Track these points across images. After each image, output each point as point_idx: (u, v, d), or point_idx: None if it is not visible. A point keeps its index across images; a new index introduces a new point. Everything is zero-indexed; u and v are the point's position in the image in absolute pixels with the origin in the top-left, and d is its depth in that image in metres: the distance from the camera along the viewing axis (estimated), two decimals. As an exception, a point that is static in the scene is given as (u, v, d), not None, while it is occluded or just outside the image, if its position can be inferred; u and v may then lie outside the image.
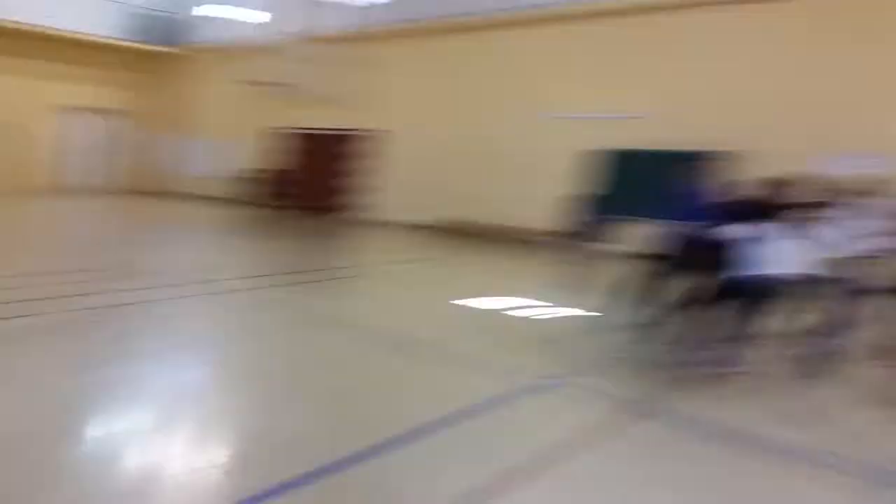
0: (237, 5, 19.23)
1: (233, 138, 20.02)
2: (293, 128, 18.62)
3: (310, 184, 18.36)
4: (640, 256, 6.52)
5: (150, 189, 21.13)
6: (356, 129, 17.48)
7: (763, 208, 5.79)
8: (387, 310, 7.84)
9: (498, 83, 16.06)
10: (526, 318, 7.85)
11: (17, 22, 17.27)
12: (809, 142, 11.96)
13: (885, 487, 4.05)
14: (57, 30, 18.14)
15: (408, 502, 3.40)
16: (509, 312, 7.96)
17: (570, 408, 4.90)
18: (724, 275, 5.74)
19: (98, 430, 4.03)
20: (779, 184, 6.47)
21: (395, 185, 17.16)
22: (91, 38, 19.02)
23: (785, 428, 4.74)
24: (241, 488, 3.38)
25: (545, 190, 14.34)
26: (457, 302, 8.35)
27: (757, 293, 5.62)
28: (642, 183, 13.06)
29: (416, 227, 16.34)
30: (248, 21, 18.73)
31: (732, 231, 5.72)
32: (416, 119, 16.84)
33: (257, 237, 13.60)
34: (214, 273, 9.06)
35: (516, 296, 8.98)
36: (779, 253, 5.59)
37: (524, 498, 3.53)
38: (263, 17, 18.20)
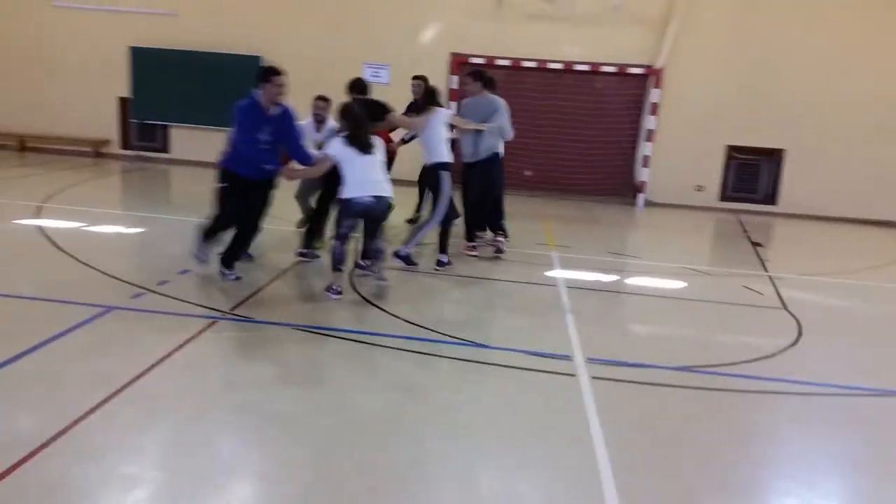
0: None
1: None
2: None
3: None
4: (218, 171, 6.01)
5: None
6: None
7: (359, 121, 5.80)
8: None
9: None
10: (90, 236, 7.64)
11: None
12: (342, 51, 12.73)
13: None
14: None
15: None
16: (69, 231, 7.63)
17: (150, 322, 4.96)
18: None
19: None
20: (358, 89, 6.74)
21: None
22: None
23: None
24: None
25: (80, 94, 13.69)
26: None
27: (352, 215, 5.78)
28: (187, 87, 13.28)
29: None
30: None
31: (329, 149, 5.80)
32: None
33: None
34: None
35: (71, 216, 8.38)
36: (365, 173, 5.71)
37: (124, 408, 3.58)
38: None
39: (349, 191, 5.71)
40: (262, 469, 3.19)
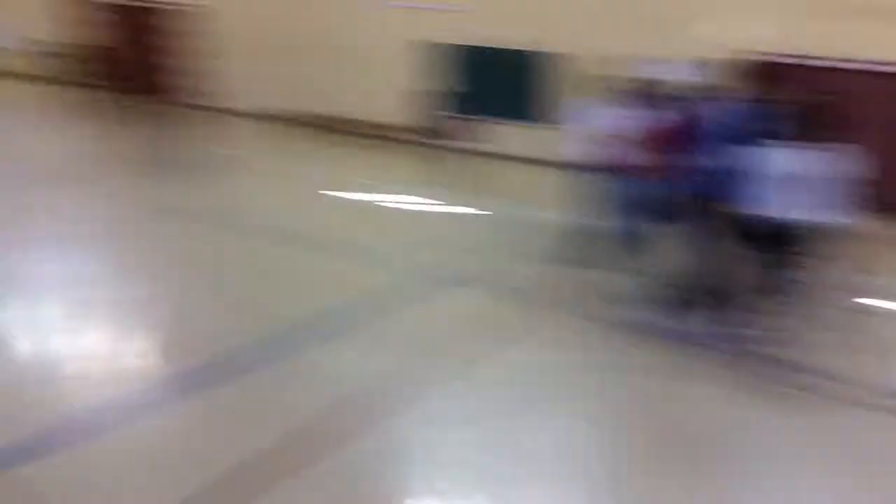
0: None
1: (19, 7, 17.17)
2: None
3: (132, 62, 16.17)
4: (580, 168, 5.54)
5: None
6: (172, 2, 15.37)
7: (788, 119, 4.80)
8: (259, 202, 7.56)
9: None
10: (402, 213, 7.88)
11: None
12: (627, 45, 11.20)
13: None
14: None
15: (341, 381, 3.62)
16: (384, 207, 7.93)
17: (482, 301, 5.13)
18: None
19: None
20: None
21: (228, 68, 15.40)
22: None
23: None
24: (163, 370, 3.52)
25: (393, 82, 13.87)
26: (328, 194, 8.18)
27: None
28: (496, 82, 13.37)
29: (256, 116, 15.14)
30: None
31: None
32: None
33: (95, 123, 12.27)
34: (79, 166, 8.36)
35: (386, 191, 8.72)
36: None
37: (462, 386, 3.77)
38: None
39: None
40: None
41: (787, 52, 11.28)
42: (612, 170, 5.40)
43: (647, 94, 5.51)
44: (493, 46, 13.49)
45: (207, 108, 15.53)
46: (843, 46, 11.04)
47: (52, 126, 11.50)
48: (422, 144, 13.61)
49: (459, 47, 13.74)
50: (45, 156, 8.75)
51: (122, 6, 16.11)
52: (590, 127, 5.50)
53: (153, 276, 4.75)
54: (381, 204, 7.93)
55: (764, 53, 11.02)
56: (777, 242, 4.79)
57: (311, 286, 4.82)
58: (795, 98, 4.97)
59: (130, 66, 16.22)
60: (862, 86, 10.57)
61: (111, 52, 16.11)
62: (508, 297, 5.25)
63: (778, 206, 4.65)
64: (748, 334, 4.88)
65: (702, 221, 5.03)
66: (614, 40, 12.28)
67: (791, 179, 4.67)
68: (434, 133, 13.86)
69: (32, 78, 16.91)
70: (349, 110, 14.64)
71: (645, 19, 12.70)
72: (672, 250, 5.23)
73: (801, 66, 10.80)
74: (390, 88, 14.13)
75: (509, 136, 13.67)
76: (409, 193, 8.70)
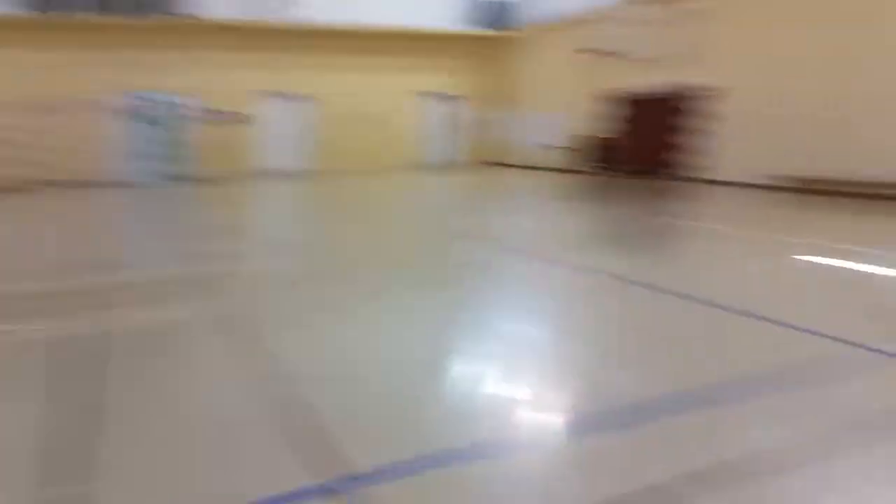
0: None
1: (563, 109, 20.74)
2: (621, 93, 18.45)
3: (637, 147, 18.31)
4: None
5: (491, 161, 23.21)
6: (686, 88, 16.64)
7: None
8: (724, 271, 6.99)
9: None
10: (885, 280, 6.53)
11: (377, 25, 20.37)
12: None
13: None
14: (410, 27, 20.87)
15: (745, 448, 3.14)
16: (870, 274, 6.67)
17: None
18: None
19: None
20: None
21: (730, 142, 15.96)
22: (441, 32, 21.40)
23: None
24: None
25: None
26: (804, 261, 7.25)
27: None
28: None
29: (756, 187, 15.00)
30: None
31: None
32: (760, 73, 15.49)
33: (594, 203, 13.69)
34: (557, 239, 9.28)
35: (880, 256, 7.37)
36: None
37: None
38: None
39: None
40: None
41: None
42: None
43: None
44: None
45: (697, 181, 16.17)
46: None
47: (547, 207, 13.33)
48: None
49: None
50: (530, 231, 10.13)
51: (639, 99, 18.06)
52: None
53: (583, 337, 5.04)
54: (869, 272, 6.79)
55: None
56: None
57: (736, 353, 4.44)
58: None
59: (627, 152, 17.74)
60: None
61: (611, 142, 18.36)
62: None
63: None
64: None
65: None
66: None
67: None
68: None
69: (549, 169, 19.89)
70: (841, 169, 13.36)
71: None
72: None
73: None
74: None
75: None
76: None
